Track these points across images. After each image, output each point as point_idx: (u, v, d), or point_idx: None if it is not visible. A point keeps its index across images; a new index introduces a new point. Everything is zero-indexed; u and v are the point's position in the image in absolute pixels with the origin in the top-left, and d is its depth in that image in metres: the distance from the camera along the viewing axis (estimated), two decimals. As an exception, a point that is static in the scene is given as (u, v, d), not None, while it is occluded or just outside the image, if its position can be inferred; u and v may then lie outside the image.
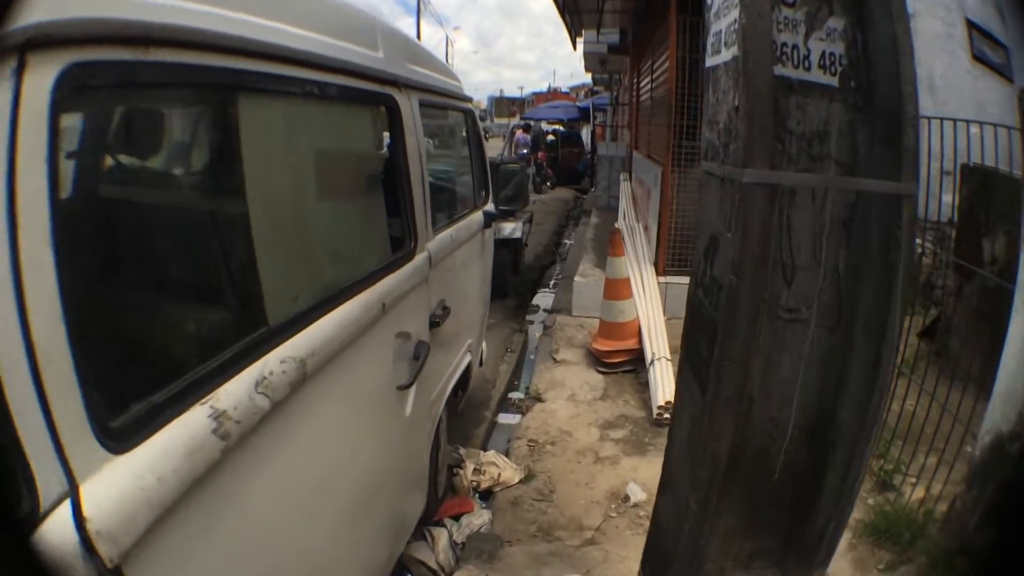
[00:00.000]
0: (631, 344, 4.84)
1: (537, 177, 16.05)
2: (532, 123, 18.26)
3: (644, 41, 8.85)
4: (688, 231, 5.82)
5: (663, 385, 4.19)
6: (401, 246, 1.97)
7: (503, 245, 6.30)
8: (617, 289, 4.88)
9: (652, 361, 4.45)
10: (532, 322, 6.35)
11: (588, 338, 5.35)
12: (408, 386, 1.94)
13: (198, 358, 1.06)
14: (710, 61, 1.52)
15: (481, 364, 3.96)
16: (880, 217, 1.55)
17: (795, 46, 1.46)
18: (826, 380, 1.70)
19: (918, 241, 4.73)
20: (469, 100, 3.17)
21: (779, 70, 1.36)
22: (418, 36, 36.50)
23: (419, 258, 2.07)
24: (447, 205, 2.80)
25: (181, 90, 1.10)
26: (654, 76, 7.58)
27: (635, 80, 10.41)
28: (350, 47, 1.66)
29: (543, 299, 7.20)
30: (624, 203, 9.15)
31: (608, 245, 5.34)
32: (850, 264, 1.57)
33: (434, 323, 2.26)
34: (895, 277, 1.59)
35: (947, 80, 6.29)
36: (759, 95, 1.27)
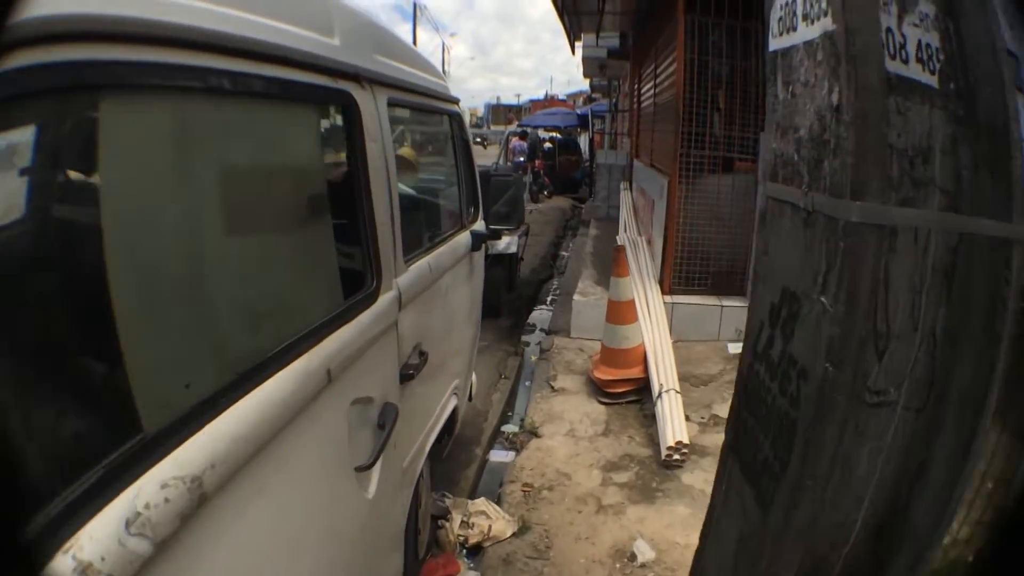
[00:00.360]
0: (635, 372, 4.42)
1: (534, 186, 15.66)
2: (529, 130, 17.84)
3: (646, 45, 8.48)
4: (697, 247, 5.42)
5: (672, 421, 3.77)
6: (359, 287, 1.55)
7: (497, 261, 5.89)
8: (621, 312, 4.46)
9: (660, 393, 4.02)
10: (528, 343, 5.92)
11: (588, 363, 4.93)
12: (370, 466, 1.52)
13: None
14: (778, 42, 1.11)
15: (471, 399, 3.53)
16: (985, 267, 1.14)
17: (889, 29, 1.04)
18: (903, 470, 1.29)
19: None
20: (455, 101, 2.74)
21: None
22: (414, 43, 36.20)
23: (384, 299, 1.66)
24: (426, 227, 2.36)
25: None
26: (658, 81, 7.19)
27: (636, 86, 10.04)
28: (289, 29, 1.24)
29: (540, 317, 6.77)
30: (624, 214, 8.75)
31: (611, 263, 4.92)
32: (948, 328, 1.16)
33: (407, 376, 1.84)
34: (998, 345, 1.18)
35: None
36: (872, 90, 0.87)
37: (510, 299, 6.93)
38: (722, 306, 5.32)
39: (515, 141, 18.42)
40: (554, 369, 4.96)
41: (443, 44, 45.58)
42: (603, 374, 4.43)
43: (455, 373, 2.66)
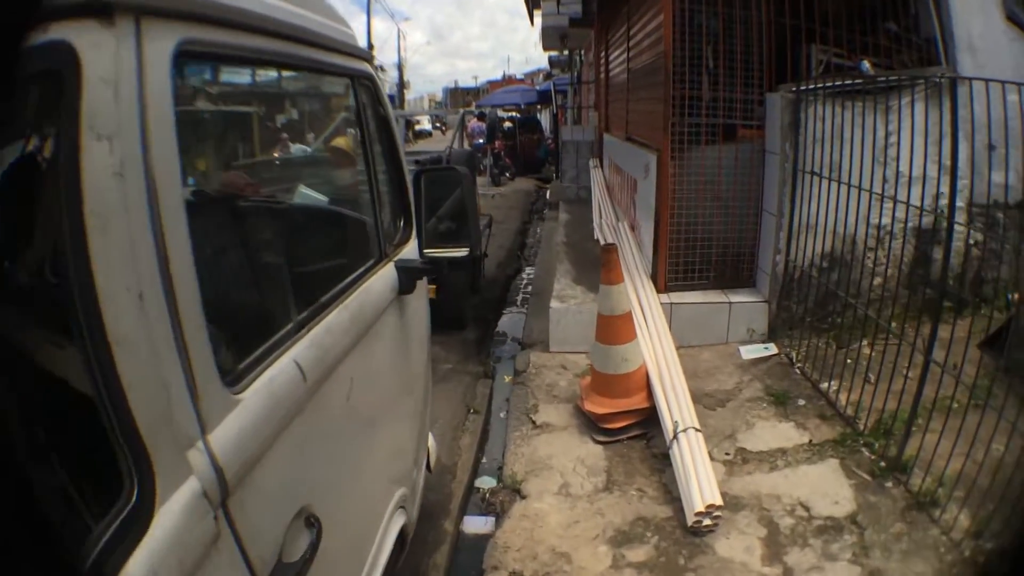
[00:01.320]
0: (638, 402, 3.52)
1: (495, 168, 14.62)
2: (487, 110, 16.61)
3: (615, 6, 7.50)
4: (696, 233, 4.52)
5: (698, 475, 2.89)
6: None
7: (457, 266, 4.90)
8: (616, 329, 3.54)
9: (675, 434, 3.13)
10: (499, 359, 4.98)
11: (574, 386, 4.01)
12: None
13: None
14: None
15: (430, 469, 2.57)
16: None
17: None
18: None
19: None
20: (366, 58, 1.70)
21: None
22: (368, 31, 34.46)
23: (175, 508, 0.68)
24: (293, 288, 1.29)
25: None
26: (632, 44, 6.24)
27: (603, 54, 9.07)
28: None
29: (511, 323, 5.84)
30: (598, 195, 7.84)
31: (587, 255, 3.99)
32: None
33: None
34: None
35: (985, 40, 5.15)
36: None
37: (475, 303, 5.96)
38: (730, 302, 4.45)
39: (473, 122, 17.31)
40: (533, 397, 4.03)
41: (398, 31, 43.62)
42: (597, 406, 3.52)
43: (394, 482, 1.68)
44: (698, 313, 4.45)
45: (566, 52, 18.34)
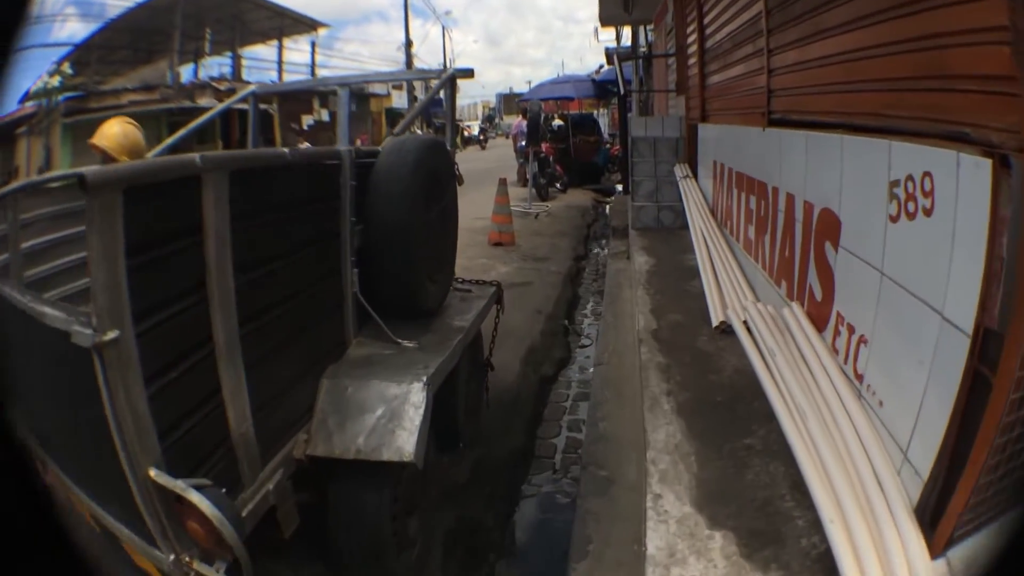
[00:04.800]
0: None
1: (541, 178, 11.42)
2: (528, 104, 13.22)
3: None
4: None
5: None
6: None
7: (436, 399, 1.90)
8: None
9: None
10: None
11: None
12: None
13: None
14: None
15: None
16: None
17: None
18: None
19: None
20: None
21: None
22: (407, 27, 32.03)
23: None
24: None
25: None
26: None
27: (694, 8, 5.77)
28: None
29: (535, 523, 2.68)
30: (700, 229, 4.58)
31: (728, 408, 1.46)
32: None
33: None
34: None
35: None
36: None
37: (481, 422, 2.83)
38: None
39: (518, 122, 14.20)
40: None
41: (443, 28, 40.99)
42: None
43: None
44: None
45: (628, 29, 15.06)
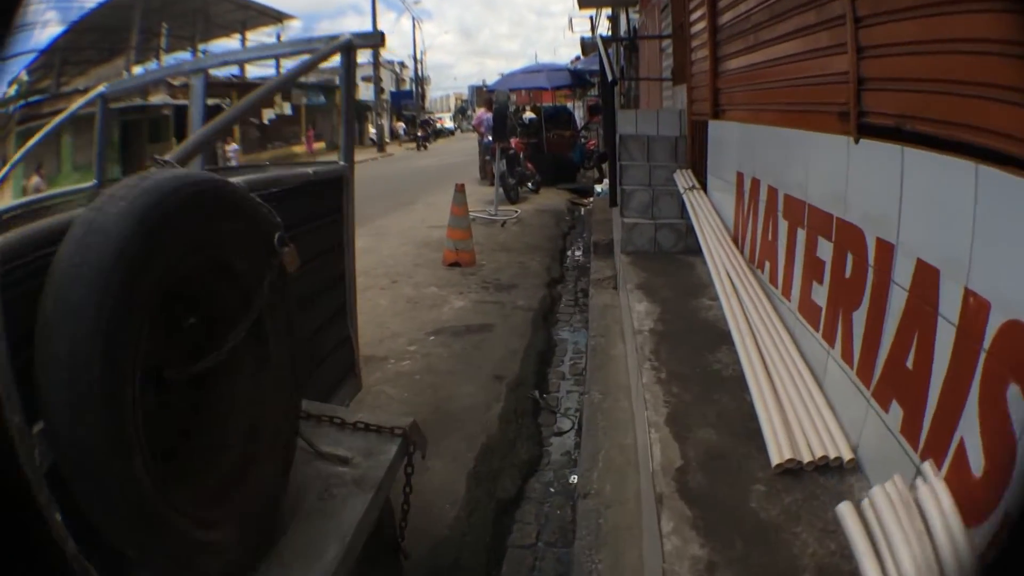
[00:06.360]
0: None
1: (510, 177, 10.02)
2: (494, 94, 11.64)
3: None
4: None
5: None
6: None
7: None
8: None
9: None
10: None
11: None
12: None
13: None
14: None
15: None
16: None
17: None
18: None
19: None
20: None
21: None
22: (374, 22, 30.15)
23: None
24: None
25: None
26: None
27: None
28: None
29: None
30: (723, 277, 3.30)
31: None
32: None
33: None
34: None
35: None
36: None
37: None
38: None
39: (481, 113, 12.77)
40: None
41: (413, 21, 38.99)
42: None
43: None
44: None
45: (606, 18, 13.75)
